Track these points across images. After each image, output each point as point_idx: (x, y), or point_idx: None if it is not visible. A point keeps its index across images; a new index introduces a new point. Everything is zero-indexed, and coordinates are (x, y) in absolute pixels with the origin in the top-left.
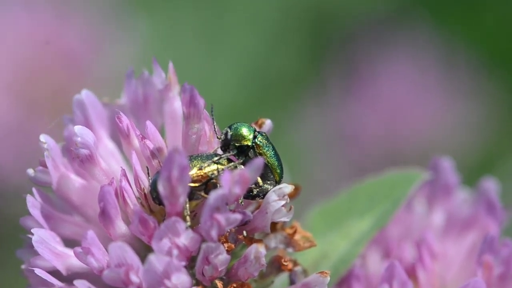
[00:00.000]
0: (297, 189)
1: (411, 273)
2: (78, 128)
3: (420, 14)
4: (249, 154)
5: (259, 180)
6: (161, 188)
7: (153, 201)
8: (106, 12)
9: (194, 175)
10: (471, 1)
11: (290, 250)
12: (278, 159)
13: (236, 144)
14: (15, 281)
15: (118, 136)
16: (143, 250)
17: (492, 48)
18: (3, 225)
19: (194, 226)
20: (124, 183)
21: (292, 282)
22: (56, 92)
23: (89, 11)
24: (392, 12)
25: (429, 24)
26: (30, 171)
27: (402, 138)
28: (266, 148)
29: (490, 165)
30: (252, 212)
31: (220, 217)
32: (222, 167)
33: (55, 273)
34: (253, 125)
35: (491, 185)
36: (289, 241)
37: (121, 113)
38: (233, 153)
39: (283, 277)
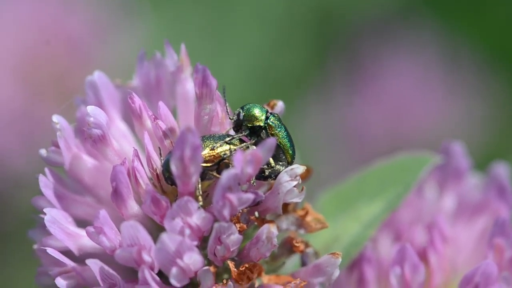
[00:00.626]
0: (308, 171)
1: (422, 256)
2: (91, 108)
3: (424, 11)
4: (261, 135)
5: (271, 161)
6: (173, 167)
7: (165, 181)
8: (112, 1)
9: (207, 155)
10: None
11: (301, 231)
12: (290, 140)
13: (249, 125)
14: (24, 267)
15: (130, 118)
16: (155, 230)
17: (496, 45)
18: (8, 221)
19: (206, 207)
20: (137, 163)
21: (303, 263)
22: (60, 78)
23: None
24: (397, 10)
25: (433, 22)
26: (43, 151)
27: (406, 135)
28: (279, 129)
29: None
30: (264, 193)
31: (233, 197)
32: (235, 147)
33: (67, 253)
34: (265, 106)
35: (502, 169)
36: (300, 223)
37: (133, 93)
38: (245, 134)
39: (294, 259)
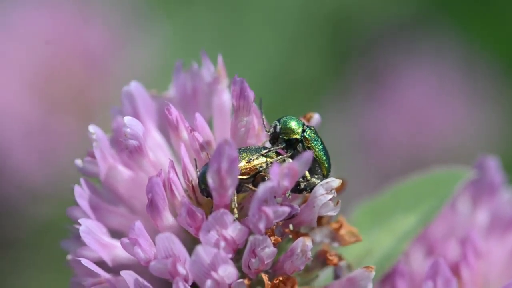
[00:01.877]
0: (343, 184)
1: (455, 271)
2: (127, 119)
3: (441, 19)
4: (298, 148)
5: (307, 173)
6: (210, 179)
7: (201, 193)
8: (127, 13)
9: (243, 167)
10: (492, 7)
11: (335, 244)
12: (326, 153)
13: (285, 138)
14: (37, 281)
15: (166, 128)
16: (190, 242)
17: None
18: (24, 228)
19: (240, 219)
20: (172, 175)
21: (337, 276)
22: (77, 92)
23: (110, 12)
24: (415, 17)
25: (451, 30)
26: (78, 162)
27: (424, 144)
28: (315, 142)
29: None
30: (299, 206)
31: (268, 210)
32: (271, 160)
33: (101, 264)
34: (302, 119)
35: None
36: (334, 236)
37: (170, 105)
38: (282, 147)
39: (327, 272)
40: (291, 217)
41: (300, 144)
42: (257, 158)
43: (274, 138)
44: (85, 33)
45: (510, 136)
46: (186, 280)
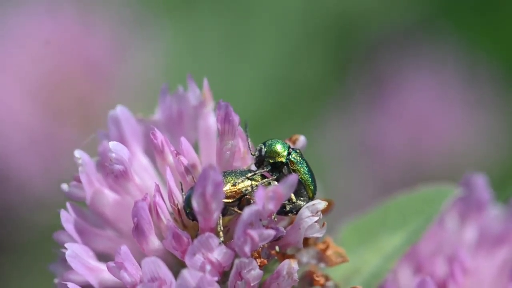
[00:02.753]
0: (330, 205)
1: None
2: (113, 144)
3: (443, 26)
4: (283, 171)
5: (293, 196)
6: (195, 204)
7: (187, 216)
8: (130, 20)
9: (228, 191)
10: (494, 13)
11: (322, 265)
12: (312, 176)
13: (270, 161)
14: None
15: (152, 151)
16: (176, 265)
17: None
18: (27, 233)
19: (226, 242)
20: (158, 199)
21: None
22: (80, 100)
23: (113, 19)
24: (416, 23)
25: (453, 37)
26: (65, 186)
27: (426, 150)
28: (300, 165)
29: None
30: (285, 228)
31: (254, 233)
32: (256, 183)
33: (88, 287)
34: (287, 142)
35: None
36: (321, 256)
37: (155, 129)
38: (267, 169)
39: None
40: (277, 239)
41: (285, 167)
42: (242, 181)
43: (260, 162)
44: (88, 41)
45: (510, 141)
46: None
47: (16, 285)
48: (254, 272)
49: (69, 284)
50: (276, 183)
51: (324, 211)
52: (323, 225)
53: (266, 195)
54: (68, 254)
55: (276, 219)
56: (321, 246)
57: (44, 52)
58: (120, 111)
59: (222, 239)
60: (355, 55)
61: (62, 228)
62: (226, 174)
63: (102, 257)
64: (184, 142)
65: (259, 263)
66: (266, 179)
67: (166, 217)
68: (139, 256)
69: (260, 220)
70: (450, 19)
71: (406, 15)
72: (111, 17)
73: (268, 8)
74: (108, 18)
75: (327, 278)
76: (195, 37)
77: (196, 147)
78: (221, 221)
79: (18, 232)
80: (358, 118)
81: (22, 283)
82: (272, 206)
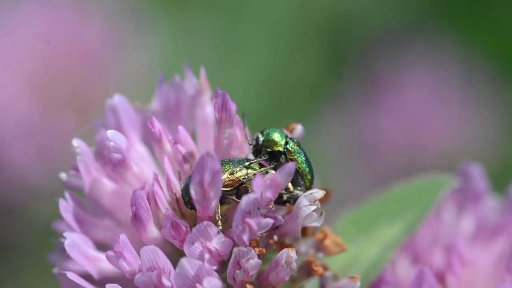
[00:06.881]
0: (327, 194)
1: (440, 279)
2: (111, 133)
3: (439, 23)
4: (280, 160)
5: (290, 185)
6: (193, 192)
7: (185, 205)
8: (126, 13)
9: (226, 179)
10: (490, 10)
11: (320, 255)
12: (309, 165)
13: (268, 150)
14: (40, 281)
15: (150, 141)
16: (175, 254)
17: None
18: (24, 226)
19: (225, 230)
20: (156, 188)
21: (322, 286)
22: (75, 91)
23: (108, 12)
24: (411, 21)
25: (448, 33)
26: (63, 175)
27: (422, 147)
28: (298, 154)
29: (510, 174)
30: (283, 217)
31: (252, 222)
32: (254, 171)
33: (87, 277)
34: (285, 131)
35: None
36: (319, 246)
37: (153, 118)
38: (265, 158)
39: (313, 282)
40: (275, 228)
41: (283, 156)
42: (240, 170)
43: (257, 151)
44: (84, 33)
45: (508, 139)
46: None
47: (13, 280)
48: (252, 261)
49: (68, 274)
50: (273, 172)
51: (321, 200)
52: (321, 214)
53: (264, 183)
54: (67, 243)
55: (273, 208)
56: (319, 235)
57: (41, 43)
58: (118, 100)
59: (220, 227)
60: (351, 53)
61: (58, 219)
62: (224, 162)
63: (101, 246)
64: (182, 131)
65: (257, 252)
66: (263, 168)
67: (164, 206)
68: (138, 245)
69: (259, 209)
70: (444, 17)
71: (400, 14)
72: (107, 10)
73: (263, 7)
74: (104, 11)
75: (325, 268)
76: (189, 37)
77: (193, 137)
78: (219, 210)
79: (15, 226)
80: (354, 116)
81: (19, 278)
82: (270, 194)
